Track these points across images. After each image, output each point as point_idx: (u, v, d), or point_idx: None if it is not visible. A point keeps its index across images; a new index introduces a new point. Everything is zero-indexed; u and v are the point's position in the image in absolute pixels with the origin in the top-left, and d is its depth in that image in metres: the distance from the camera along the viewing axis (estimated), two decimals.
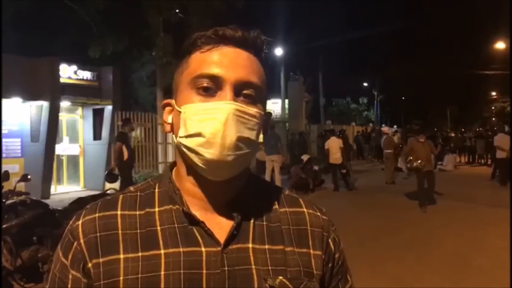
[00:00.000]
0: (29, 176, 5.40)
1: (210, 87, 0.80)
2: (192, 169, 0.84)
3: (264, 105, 0.86)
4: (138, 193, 0.88)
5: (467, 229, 7.86)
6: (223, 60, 0.81)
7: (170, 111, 0.87)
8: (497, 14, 32.22)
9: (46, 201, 7.05)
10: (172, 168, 0.91)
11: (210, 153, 0.78)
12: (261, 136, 0.86)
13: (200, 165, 0.80)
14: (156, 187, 0.89)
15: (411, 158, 9.83)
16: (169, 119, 0.87)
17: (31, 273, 4.68)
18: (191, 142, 0.80)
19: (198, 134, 0.78)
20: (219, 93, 0.80)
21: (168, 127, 0.87)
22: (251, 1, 16.13)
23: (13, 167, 10.50)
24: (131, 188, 0.90)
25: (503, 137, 13.81)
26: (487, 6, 35.43)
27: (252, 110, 0.81)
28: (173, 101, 0.86)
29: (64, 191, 13.11)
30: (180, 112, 0.82)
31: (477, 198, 11.16)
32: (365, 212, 9.54)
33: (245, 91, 0.81)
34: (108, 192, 5.88)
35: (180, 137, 0.82)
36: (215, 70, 0.80)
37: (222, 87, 0.80)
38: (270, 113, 0.92)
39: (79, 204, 5.28)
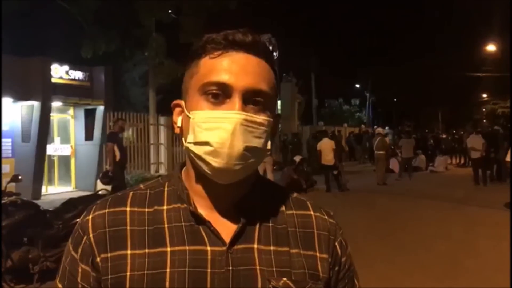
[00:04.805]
0: (20, 177, 5.37)
1: (219, 94, 0.80)
2: (200, 171, 0.84)
3: (273, 111, 0.86)
4: (148, 191, 0.89)
5: (457, 230, 7.91)
6: (232, 67, 0.81)
7: (180, 112, 0.87)
8: (488, 16, 32.55)
9: (37, 201, 6.99)
10: (182, 168, 0.92)
11: (217, 162, 0.79)
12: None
13: (208, 171, 0.81)
14: (166, 185, 0.90)
15: None
16: (178, 121, 0.87)
17: (22, 274, 4.66)
18: (199, 150, 0.80)
19: (206, 143, 0.79)
20: (228, 101, 0.80)
21: (177, 130, 0.88)
22: (244, 2, 16.10)
23: (4, 168, 10.38)
24: (141, 186, 0.92)
25: (475, 138, 14.44)
26: (478, 9, 35.79)
27: (260, 118, 0.81)
28: (183, 103, 0.87)
29: (55, 191, 13.02)
30: (189, 117, 0.82)
31: (467, 199, 11.26)
32: (356, 213, 9.56)
33: (254, 99, 0.81)
34: (100, 193, 5.87)
35: (189, 142, 0.82)
36: (224, 78, 0.80)
37: (230, 95, 0.80)
38: (278, 115, 0.93)
39: (70, 205, 5.26)
